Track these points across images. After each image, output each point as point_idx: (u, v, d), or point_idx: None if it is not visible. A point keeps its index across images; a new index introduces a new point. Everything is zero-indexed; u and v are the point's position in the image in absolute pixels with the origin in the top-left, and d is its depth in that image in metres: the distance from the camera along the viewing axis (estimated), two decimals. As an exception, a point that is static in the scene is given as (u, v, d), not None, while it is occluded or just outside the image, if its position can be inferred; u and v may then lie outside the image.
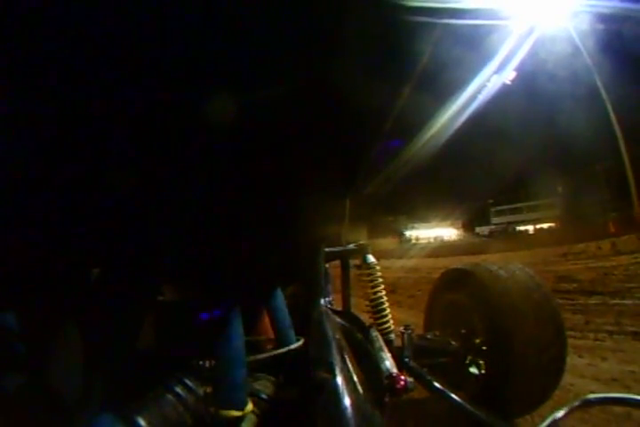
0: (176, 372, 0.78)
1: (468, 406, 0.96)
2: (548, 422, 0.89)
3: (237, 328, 0.85)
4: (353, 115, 0.69)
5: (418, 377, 1.11)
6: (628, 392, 1.79)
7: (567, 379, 1.64)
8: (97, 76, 0.51)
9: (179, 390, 0.75)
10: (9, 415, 0.65)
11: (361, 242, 1.58)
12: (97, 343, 0.75)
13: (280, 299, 1.10)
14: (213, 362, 0.82)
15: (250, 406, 0.79)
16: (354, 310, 1.54)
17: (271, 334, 1.09)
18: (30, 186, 0.63)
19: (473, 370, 1.48)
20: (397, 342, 1.38)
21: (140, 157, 0.66)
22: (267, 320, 1.10)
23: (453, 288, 1.69)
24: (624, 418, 1.48)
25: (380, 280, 1.52)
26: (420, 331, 1.68)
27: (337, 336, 0.83)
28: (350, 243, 1.59)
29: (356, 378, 0.64)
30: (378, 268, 1.53)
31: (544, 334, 1.33)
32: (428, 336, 1.59)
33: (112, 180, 0.65)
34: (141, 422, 0.64)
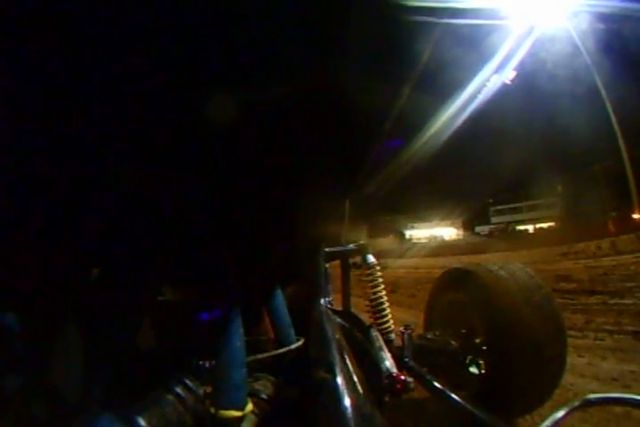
0: (176, 372, 0.78)
1: (468, 406, 0.95)
2: (548, 422, 0.89)
3: (237, 328, 0.85)
4: (353, 115, 0.69)
5: (418, 377, 1.11)
6: (628, 392, 1.79)
7: (567, 379, 1.65)
8: (97, 76, 0.51)
9: (179, 390, 0.74)
10: (9, 415, 0.65)
11: (361, 242, 1.58)
12: (97, 343, 0.75)
13: (280, 299, 1.10)
14: (213, 362, 0.82)
15: (250, 406, 0.79)
16: (354, 310, 1.54)
17: (271, 334, 1.09)
18: (31, 186, 0.62)
19: (473, 370, 1.48)
20: (397, 342, 1.38)
21: (142, 158, 0.66)
22: (267, 320, 1.10)
23: (454, 288, 1.69)
24: (624, 418, 1.48)
25: (380, 280, 1.52)
26: (420, 331, 1.68)
27: (337, 336, 0.83)
28: (350, 243, 1.59)
29: (355, 378, 0.63)
30: (378, 268, 1.53)
31: (544, 334, 1.33)
32: (428, 336, 1.58)
33: (113, 180, 0.65)
34: (141, 422, 0.64)
